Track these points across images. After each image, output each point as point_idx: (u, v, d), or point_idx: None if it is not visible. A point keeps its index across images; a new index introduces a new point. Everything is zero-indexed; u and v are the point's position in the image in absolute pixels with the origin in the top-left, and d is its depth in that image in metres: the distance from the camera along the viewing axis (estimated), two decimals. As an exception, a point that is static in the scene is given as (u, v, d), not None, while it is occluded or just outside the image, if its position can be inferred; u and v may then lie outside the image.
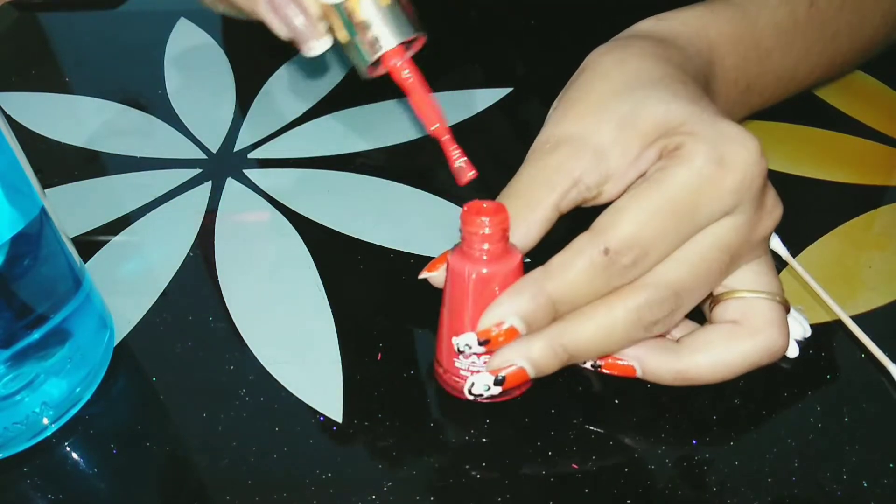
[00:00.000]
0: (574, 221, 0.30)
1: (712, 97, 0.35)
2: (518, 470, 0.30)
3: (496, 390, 0.29)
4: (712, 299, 0.31)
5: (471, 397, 0.30)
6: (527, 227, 0.30)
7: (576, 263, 0.27)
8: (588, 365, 0.31)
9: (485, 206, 0.29)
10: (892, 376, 0.33)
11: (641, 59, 0.32)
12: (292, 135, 0.48)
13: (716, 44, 0.35)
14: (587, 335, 0.28)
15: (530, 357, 0.29)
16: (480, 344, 0.28)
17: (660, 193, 0.27)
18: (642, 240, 0.27)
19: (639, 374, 0.30)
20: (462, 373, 0.31)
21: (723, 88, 0.36)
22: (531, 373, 0.29)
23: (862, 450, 0.30)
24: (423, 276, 0.32)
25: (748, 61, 0.37)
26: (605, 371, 0.30)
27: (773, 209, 0.30)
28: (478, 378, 0.29)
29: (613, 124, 0.30)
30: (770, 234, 0.31)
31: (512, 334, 0.28)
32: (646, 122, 0.29)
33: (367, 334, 0.35)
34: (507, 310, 0.28)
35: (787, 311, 0.31)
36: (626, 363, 0.30)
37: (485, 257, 0.28)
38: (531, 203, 0.30)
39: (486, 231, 0.28)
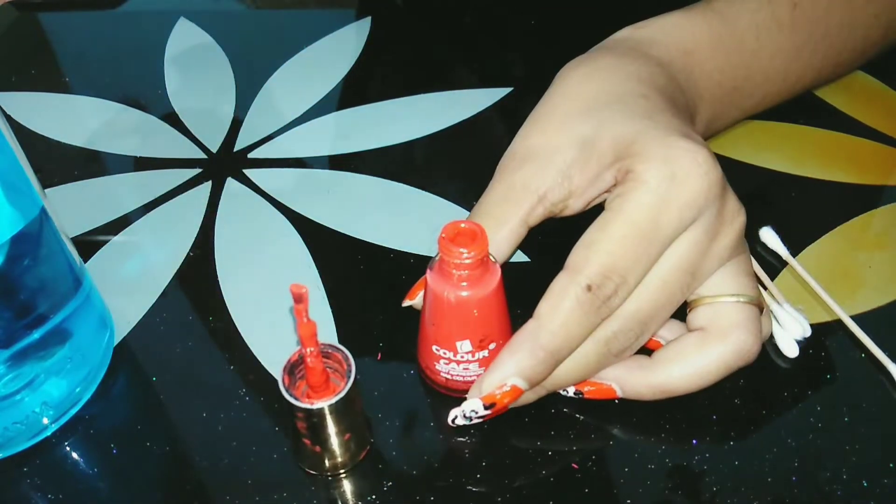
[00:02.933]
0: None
1: (695, 102, 0.36)
2: (518, 470, 0.30)
3: (484, 413, 0.29)
4: (688, 306, 0.31)
5: (461, 422, 0.30)
6: (497, 244, 0.32)
7: (563, 306, 0.28)
8: (571, 393, 0.31)
9: (462, 226, 0.29)
10: (892, 376, 0.33)
11: (608, 73, 0.33)
12: (292, 135, 0.48)
13: (693, 49, 0.36)
14: (563, 370, 0.29)
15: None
16: (486, 408, 0.29)
17: (623, 220, 0.28)
18: (618, 267, 0.28)
19: (619, 394, 0.31)
20: (443, 375, 0.31)
21: (706, 93, 0.36)
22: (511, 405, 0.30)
23: (862, 450, 0.30)
24: (406, 304, 0.33)
25: (732, 64, 0.37)
26: (588, 398, 0.31)
27: (735, 217, 0.30)
28: (466, 405, 0.29)
29: (575, 144, 0.31)
30: (737, 241, 0.30)
31: (515, 393, 0.29)
32: (603, 144, 0.30)
33: (367, 334, 0.35)
34: (508, 371, 0.28)
35: (761, 310, 0.31)
36: (606, 386, 0.30)
37: (464, 283, 0.29)
38: (500, 221, 0.32)
39: (465, 261, 0.28)
